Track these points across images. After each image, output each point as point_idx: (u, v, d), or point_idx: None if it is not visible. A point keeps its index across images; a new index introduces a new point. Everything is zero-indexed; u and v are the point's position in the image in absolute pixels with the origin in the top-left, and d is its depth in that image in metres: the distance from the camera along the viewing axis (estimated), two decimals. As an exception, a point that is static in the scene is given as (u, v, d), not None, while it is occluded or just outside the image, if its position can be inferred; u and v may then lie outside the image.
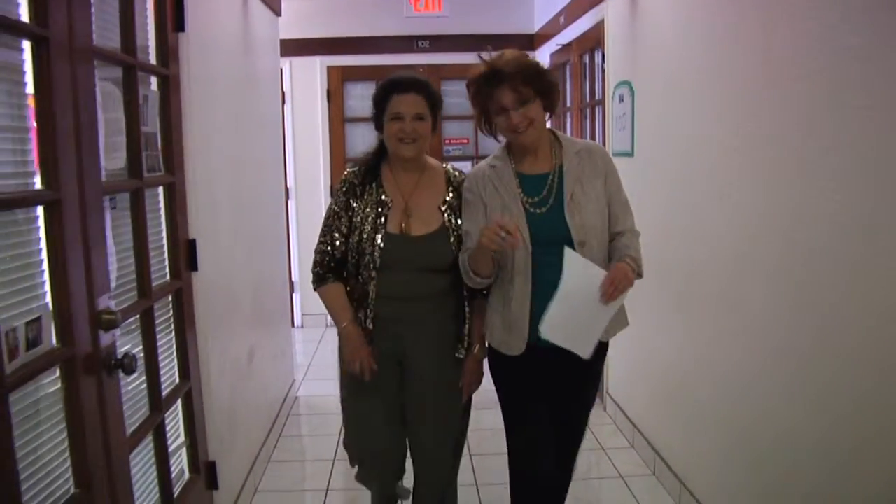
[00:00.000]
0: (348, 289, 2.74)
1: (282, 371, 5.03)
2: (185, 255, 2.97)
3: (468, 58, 6.36)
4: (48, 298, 1.94)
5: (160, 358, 2.71)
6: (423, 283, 2.69)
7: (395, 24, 6.78)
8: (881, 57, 2.12)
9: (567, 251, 2.41)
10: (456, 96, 6.36)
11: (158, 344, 2.69)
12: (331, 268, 2.72)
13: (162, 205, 2.83)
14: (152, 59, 2.76)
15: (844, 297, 2.31)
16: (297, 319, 7.30)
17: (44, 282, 1.93)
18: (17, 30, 1.83)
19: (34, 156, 1.91)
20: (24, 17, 1.86)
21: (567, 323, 2.45)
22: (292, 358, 5.58)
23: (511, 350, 2.60)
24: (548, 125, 2.67)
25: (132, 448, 2.39)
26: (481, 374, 2.84)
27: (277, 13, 5.06)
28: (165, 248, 2.85)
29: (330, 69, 7.06)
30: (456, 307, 2.76)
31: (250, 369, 4.01)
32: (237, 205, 3.80)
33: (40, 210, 1.92)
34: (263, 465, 4.13)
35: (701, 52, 3.31)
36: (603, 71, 4.77)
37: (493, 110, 2.55)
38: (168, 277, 2.85)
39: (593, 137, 5.18)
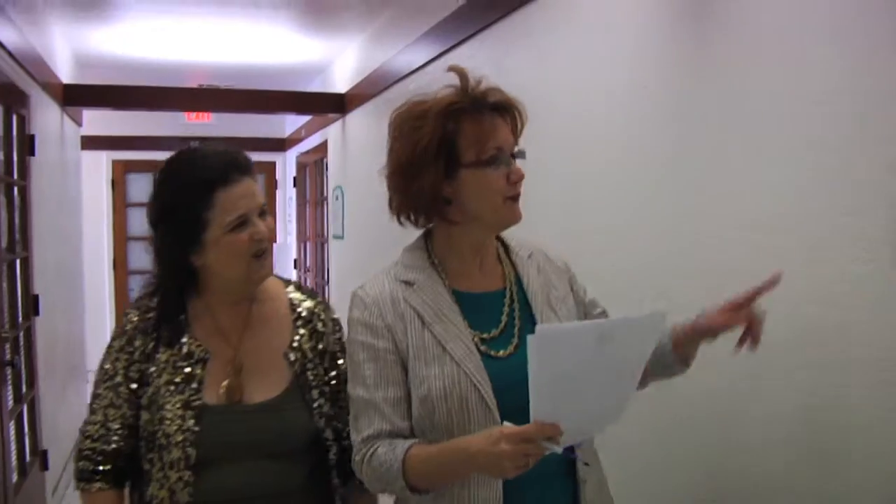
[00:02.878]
0: (144, 499, 1.76)
1: (76, 411, 6.39)
2: (32, 304, 4.43)
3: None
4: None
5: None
6: (269, 476, 1.75)
7: (173, 128, 8.29)
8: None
9: (537, 330, 1.35)
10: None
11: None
12: (99, 463, 1.75)
13: (18, 270, 4.28)
14: (16, 175, 4.24)
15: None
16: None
17: None
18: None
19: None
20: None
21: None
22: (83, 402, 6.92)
23: None
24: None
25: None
26: None
27: (80, 125, 6.53)
28: (20, 299, 4.29)
29: (115, 162, 8.50)
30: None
31: (64, 396, 5.40)
32: (59, 272, 5.26)
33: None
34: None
35: (375, 169, 5.22)
36: (327, 176, 6.67)
37: (478, 158, 1.55)
38: (21, 319, 4.29)
39: (322, 224, 7.02)
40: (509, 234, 1.74)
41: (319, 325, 1.89)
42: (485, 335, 1.60)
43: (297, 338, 1.85)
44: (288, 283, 1.96)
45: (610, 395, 1.43)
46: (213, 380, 1.76)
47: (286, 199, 8.86)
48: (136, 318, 1.81)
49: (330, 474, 1.83)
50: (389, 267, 1.69)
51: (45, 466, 4.60)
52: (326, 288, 6.91)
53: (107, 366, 1.79)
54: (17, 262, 4.25)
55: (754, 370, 1.87)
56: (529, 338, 1.30)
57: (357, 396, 1.60)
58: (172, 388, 1.73)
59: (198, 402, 1.73)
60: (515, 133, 1.62)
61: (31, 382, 4.39)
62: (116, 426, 1.76)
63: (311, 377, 1.83)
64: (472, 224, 1.62)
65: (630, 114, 2.43)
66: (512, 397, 1.47)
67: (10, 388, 3.92)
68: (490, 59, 3.41)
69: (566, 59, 2.82)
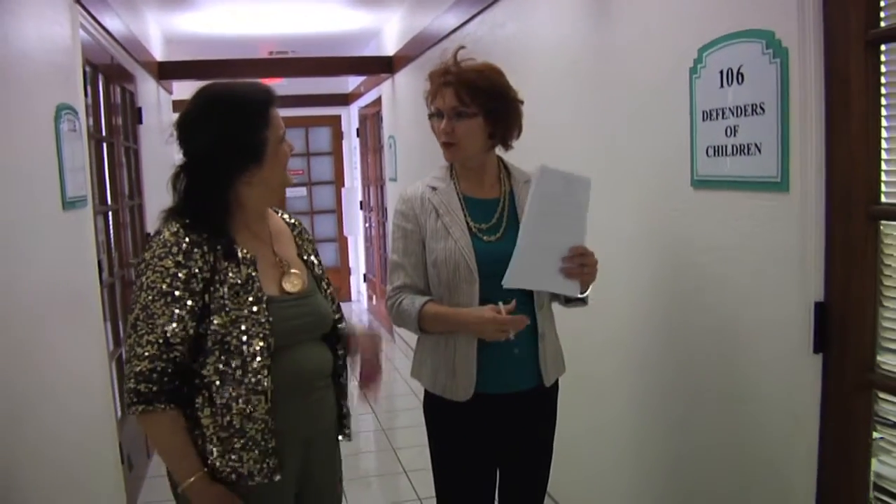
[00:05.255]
0: (205, 412, 1.86)
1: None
2: (145, 240, 5.58)
3: (303, 111, 9.22)
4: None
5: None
6: (322, 355, 2.09)
7: None
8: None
9: (541, 167, 2.12)
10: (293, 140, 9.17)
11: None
12: (163, 383, 1.81)
13: (136, 214, 5.45)
14: (131, 141, 5.38)
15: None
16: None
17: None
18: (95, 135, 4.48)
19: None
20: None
21: (535, 263, 2.17)
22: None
23: (456, 396, 2.31)
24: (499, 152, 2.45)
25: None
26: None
27: (170, 92, 7.68)
28: (138, 235, 5.44)
29: (201, 121, 9.67)
30: (342, 380, 2.19)
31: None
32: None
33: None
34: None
35: (421, 120, 6.20)
36: (382, 127, 7.71)
37: (430, 113, 2.36)
38: (140, 251, 5.45)
39: (381, 168, 8.07)
40: (513, 164, 2.49)
41: (308, 236, 2.25)
42: (481, 225, 2.33)
43: (299, 244, 2.17)
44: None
45: (568, 232, 2.18)
46: (265, 276, 1.96)
47: (351, 147, 9.93)
48: (185, 237, 1.86)
49: (344, 349, 2.20)
50: (427, 178, 2.44)
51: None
52: (386, 224, 7.96)
53: (161, 286, 1.81)
54: (134, 208, 5.41)
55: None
56: (540, 168, 2.11)
57: (392, 260, 2.39)
58: (238, 289, 1.88)
59: (264, 297, 1.90)
60: (460, 99, 2.27)
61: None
62: (177, 341, 1.82)
63: (319, 272, 2.17)
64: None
65: (569, 73, 3.38)
66: (488, 268, 2.23)
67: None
68: (504, 20, 4.30)
69: (538, 30, 3.76)
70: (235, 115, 1.90)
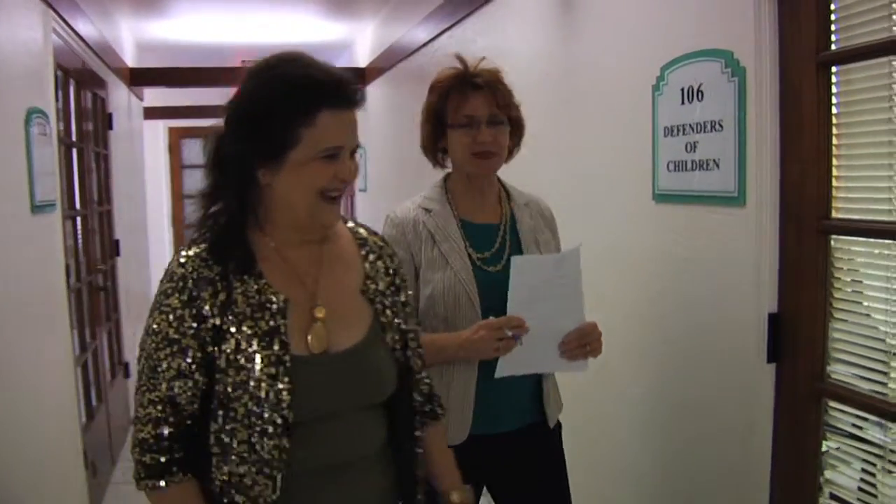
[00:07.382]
0: (216, 484, 1.48)
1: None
2: (115, 247, 5.59)
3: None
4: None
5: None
6: (365, 430, 1.58)
7: (221, 97, 9.10)
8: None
9: (514, 259, 1.96)
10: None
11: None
12: (172, 451, 1.46)
13: (104, 220, 5.44)
14: (100, 146, 5.38)
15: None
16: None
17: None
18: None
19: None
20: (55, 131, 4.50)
21: (529, 351, 1.98)
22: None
23: (449, 439, 1.96)
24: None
25: (105, 333, 4.99)
26: None
27: (141, 99, 7.67)
28: (106, 242, 5.44)
29: (170, 129, 9.68)
30: (406, 455, 1.65)
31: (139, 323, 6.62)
32: (130, 224, 6.43)
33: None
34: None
35: (393, 131, 6.26)
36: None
37: (454, 122, 2.08)
38: (108, 258, 5.45)
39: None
40: (513, 183, 2.30)
41: (389, 261, 1.69)
42: (483, 254, 2.12)
43: (370, 273, 1.63)
44: (344, 219, 1.71)
45: (563, 314, 2.03)
46: (294, 329, 1.49)
47: (322, 158, 9.96)
48: (197, 261, 1.48)
49: (413, 421, 1.68)
50: (417, 197, 2.19)
51: (127, 374, 5.79)
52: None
53: (168, 330, 1.45)
54: (103, 213, 5.40)
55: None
56: (513, 259, 1.95)
57: None
58: (255, 343, 1.45)
59: (287, 357, 1.46)
60: (496, 104, 2.10)
61: (115, 307, 5.58)
62: (186, 401, 1.46)
63: (390, 314, 1.62)
64: (456, 170, 2.19)
65: (537, 89, 3.46)
66: (491, 299, 2.02)
67: (102, 308, 5.10)
68: (473, 36, 4.36)
69: (507, 47, 3.83)
70: (277, 89, 1.46)
